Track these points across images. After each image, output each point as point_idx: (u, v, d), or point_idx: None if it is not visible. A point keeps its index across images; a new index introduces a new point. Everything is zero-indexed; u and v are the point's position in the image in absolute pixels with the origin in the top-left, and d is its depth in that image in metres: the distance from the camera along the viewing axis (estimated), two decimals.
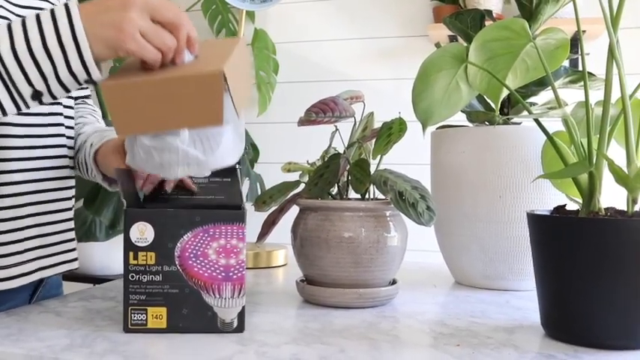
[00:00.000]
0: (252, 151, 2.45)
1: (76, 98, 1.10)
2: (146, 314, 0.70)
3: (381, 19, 2.46)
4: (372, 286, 0.86)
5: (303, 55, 2.54)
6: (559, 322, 0.70)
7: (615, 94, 0.70)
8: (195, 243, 0.70)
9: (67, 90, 0.70)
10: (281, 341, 0.69)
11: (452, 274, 1.08)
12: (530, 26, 0.96)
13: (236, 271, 0.71)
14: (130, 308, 0.70)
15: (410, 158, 2.03)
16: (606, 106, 0.70)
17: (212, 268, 0.70)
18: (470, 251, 1.00)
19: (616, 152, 0.73)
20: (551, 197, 0.95)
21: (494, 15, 2.22)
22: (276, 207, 0.90)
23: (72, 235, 1.01)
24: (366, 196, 0.91)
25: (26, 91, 0.68)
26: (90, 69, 0.68)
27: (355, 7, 2.49)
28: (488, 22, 1.04)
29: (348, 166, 0.89)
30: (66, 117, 0.99)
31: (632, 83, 0.73)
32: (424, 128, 0.85)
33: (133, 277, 0.70)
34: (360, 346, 0.67)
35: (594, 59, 1.22)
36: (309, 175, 0.96)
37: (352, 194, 0.94)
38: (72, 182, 1.01)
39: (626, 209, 0.69)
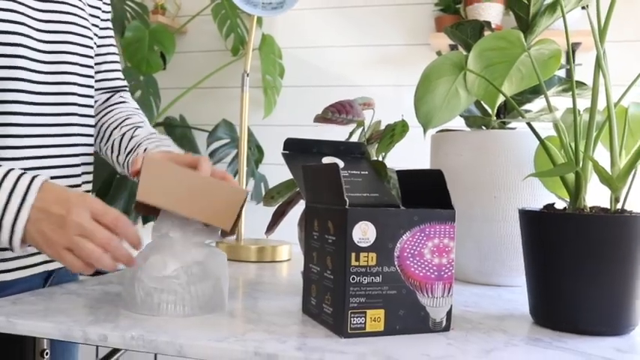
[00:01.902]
0: (257, 153, 2.51)
1: (112, 90, 1.16)
2: (365, 317, 0.69)
3: (385, 28, 2.53)
4: None
5: (309, 61, 2.60)
6: (545, 310, 0.75)
7: (603, 102, 0.77)
8: (413, 242, 0.70)
9: None
10: (289, 322, 0.75)
11: None
12: (526, 37, 1.02)
13: (447, 270, 0.72)
14: (349, 312, 0.68)
15: (411, 160, 2.09)
16: (592, 112, 0.76)
17: (426, 268, 0.71)
18: (465, 248, 1.06)
19: (603, 155, 0.79)
20: (542, 198, 1.01)
21: (494, 26, 2.28)
22: (284, 200, 0.96)
23: None
24: None
25: None
26: (14, 249, 0.80)
27: (360, 15, 2.56)
28: (487, 33, 1.10)
29: None
30: (81, 115, 1.03)
31: (620, 92, 0.80)
32: (425, 131, 0.90)
33: (353, 279, 0.68)
34: None
35: (587, 69, 1.28)
36: None
37: None
38: (87, 177, 1.05)
39: (609, 207, 0.75)
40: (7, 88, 0.90)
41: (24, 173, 0.81)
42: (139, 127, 1.07)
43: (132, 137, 1.05)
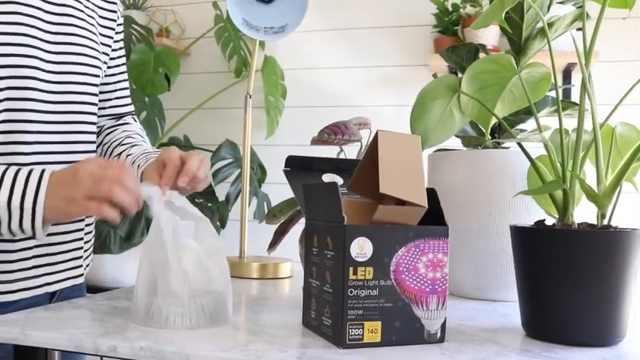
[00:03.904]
0: (259, 172, 2.55)
1: (120, 115, 1.20)
2: (363, 329, 0.72)
3: (385, 49, 2.58)
4: None
5: (310, 82, 2.65)
6: (536, 323, 0.79)
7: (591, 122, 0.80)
8: (408, 257, 0.73)
9: (14, 235, 0.87)
10: (290, 334, 0.78)
11: None
12: (519, 60, 1.06)
13: (440, 284, 0.75)
14: (348, 324, 0.71)
15: None
16: (579, 132, 0.80)
17: (421, 282, 0.74)
18: (461, 264, 1.09)
19: (593, 173, 0.82)
20: (535, 214, 1.04)
21: (491, 47, 2.32)
22: (285, 218, 0.99)
23: (80, 253, 1.10)
24: None
25: None
26: (36, 232, 0.85)
27: (360, 37, 2.61)
28: (482, 55, 1.14)
29: None
30: (89, 143, 1.08)
31: (615, 111, 0.83)
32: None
33: (351, 292, 0.72)
34: None
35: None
36: None
37: None
38: None
39: (596, 223, 0.79)
40: (18, 107, 0.95)
41: (33, 168, 0.87)
42: (136, 145, 1.12)
43: (128, 155, 1.10)
